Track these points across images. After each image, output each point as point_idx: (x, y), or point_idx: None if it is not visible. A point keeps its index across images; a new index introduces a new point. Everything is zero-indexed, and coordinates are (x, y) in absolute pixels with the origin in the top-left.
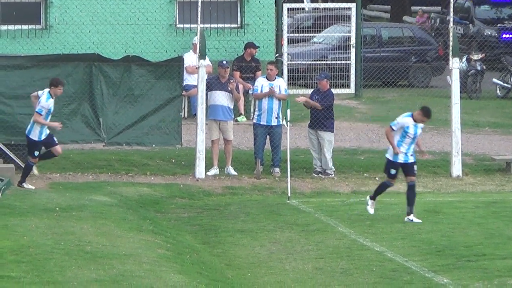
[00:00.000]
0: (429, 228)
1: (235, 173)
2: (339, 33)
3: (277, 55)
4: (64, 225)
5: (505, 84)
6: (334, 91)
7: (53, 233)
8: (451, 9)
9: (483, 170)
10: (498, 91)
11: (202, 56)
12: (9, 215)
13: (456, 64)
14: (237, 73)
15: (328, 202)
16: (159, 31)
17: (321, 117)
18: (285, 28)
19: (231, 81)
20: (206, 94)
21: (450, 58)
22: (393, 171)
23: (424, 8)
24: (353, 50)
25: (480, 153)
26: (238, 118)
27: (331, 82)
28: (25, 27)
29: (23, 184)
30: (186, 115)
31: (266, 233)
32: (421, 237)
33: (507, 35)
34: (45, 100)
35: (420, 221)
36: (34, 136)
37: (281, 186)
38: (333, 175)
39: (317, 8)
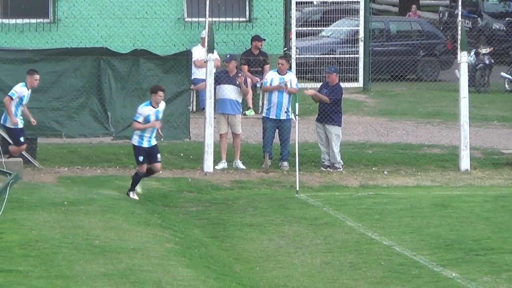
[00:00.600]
0: (437, 222)
1: (244, 167)
2: (347, 27)
3: (286, 49)
4: (72, 219)
5: None
6: (343, 84)
7: (61, 227)
8: (460, 3)
9: (492, 164)
10: (506, 85)
11: (210, 50)
12: (17, 209)
13: (464, 58)
14: (245, 67)
15: (337, 196)
16: (168, 25)
17: (329, 111)
18: (293, 21)
19: (239, 75)
20: (214, 88)
21: (459, 52)
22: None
23: (421, 3)
24: (361, 44)
25: (489, 147)
26: (247, 112)
27: (339, 76)
28: (33, 20)
29: (129, 193)
30: (194, 109)
31: (275, 227)
32: (429, 231)
33: None
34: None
35: None
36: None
37: (289, 180)
38: (341, 169)
39: (326, 2)
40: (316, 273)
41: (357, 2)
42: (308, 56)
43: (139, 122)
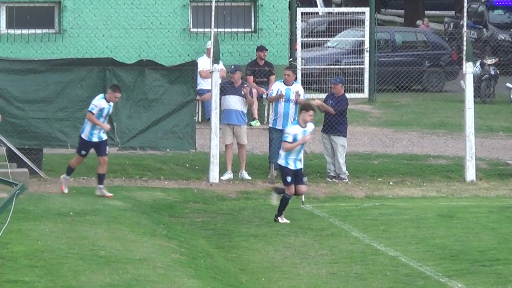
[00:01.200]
0: (443, 233)
1: (249, 178)
2: (353, 38)
3: (291, 59)
4: (78, 229)
5: None
6: (348, 95)
7: (67, 237)
8: (465, 14)
9: (497, 174)
10: (511, 96)
11: (215, 60)
12: (23, 219)
13: (469, 69)
14: (251, 78)
15: (342, 206)
16: (173, 35)
17: (335, 122)
18: (298, 32)
19: (245, 85)
20: (220, 99)
21: (464, 62)
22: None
23: (432, 14)
24: (366, 55)
25: (494, 158)
26: (252, 123)
27: (344, 87)
28: (38, 31)
29: (278, 218)
30: (200, 119)
31: (280, 237)
32: (435, 242)
33: None
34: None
35: None
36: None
37: None
38: (347, 180)
39: (331, 13)
40: (321, 283)
41: (363, 12)
42: (313, 66)
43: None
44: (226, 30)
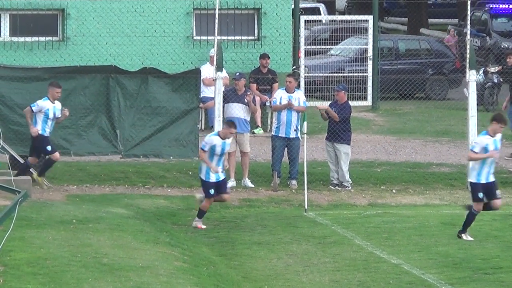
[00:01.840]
0: (446, 240)
1: (252, 186)
2: (356, 45)
3: (294, 67)
4: (81, 237)
5: None
6: (351, 103)
7: (70, 245)
8: (468, 22)
9: (500, 183)
10: None
11: (219, 68)
12: (26, 227)
13: (473, 77)
14: (254, 85)
15: (345, 214)
16: (176, 43)
17: (338, 130)
18: (302, 40)
19: (248, 93)
20: (223, 106)
21: (467, 70)
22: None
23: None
24: (370, 63)
25: (497, 166)
26: (255, 130)
27: (348, 94)
28: (42, 39)
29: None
30: (203, 127)
31: (283, 245)
32: (438, 249)
33: None
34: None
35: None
36: None
37: (298, 198)
38: (350, 188)
39: (334, 20)
40: None
41: (366, 20)
42: (316, 74)
43: None
44: (229, 38)
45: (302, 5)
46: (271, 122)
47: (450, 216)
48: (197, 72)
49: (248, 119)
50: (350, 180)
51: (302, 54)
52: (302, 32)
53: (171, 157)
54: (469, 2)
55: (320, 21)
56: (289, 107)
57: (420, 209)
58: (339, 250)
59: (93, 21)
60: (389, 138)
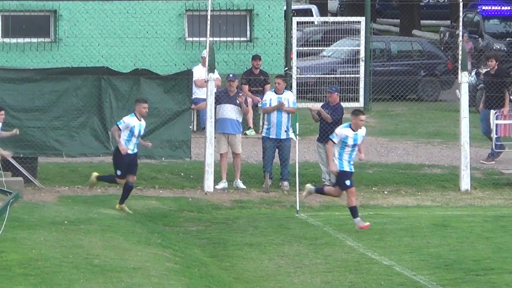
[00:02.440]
0: (437, 242)
1: (244, 187)
2: (348, 47)
3: (286, 68)
4: (72, 238)
5: None
6: (343, 104)
7: (61, 246)
8: (461, 23)
9: (492, 184)
10: None
11: (211, 69)
12: (17, 228)
13: (465, 78)
14: (246, 87)
15: (337, 215)
16: (168, 45)
17: (330, 131)
18: (294, 41)
19: (240, 94)
20: (215, 108)
21: (459, 72)
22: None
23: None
24: (362, 64)
25: (489, 167)
26: (247, 132)
27: (340, 96)
28: (34, 40)
29: None
30: (195, 128)
31: (275, 246)
32: (429, 251)
33: None
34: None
35: None
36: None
37: (289, 199)
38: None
39: (327, 22)
40: None
41: (358, 22)
42: (308, 76)
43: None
44: (221, 39)
45: (294, 7)
46: (263, 123)
47: (442, 217)
48: (189, 73)
49: (240, 120)
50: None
51: (294, 56)
52: (294, 33)
53: (163, 158)
54: (461, 4)
55: (312, 22)
56: (279, 108)
57: (411, 211)
58: (331, 251)
59: (85, 22)
60: (381, 140)
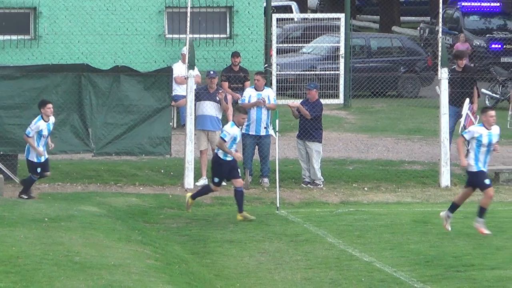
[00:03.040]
0: (417, 238)
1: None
2: (328, 44)
3: (266, 65)
4: (52, 235)
5: (494, 94)
6: (323, 101)
7: (41, 243)
8: (440, 20)
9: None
10: (487, 101)
11: (191, 66)
12: None
13: (445, 75)
14: (226, 83)
15: (317, 212)
16: (148, 42)
17: (310, 128)
18: (274, 38)
19: (220, 91)
20: (195, 105)
21: (439, 68)
22: None
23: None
24: (342, 61)
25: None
26: None
27: (320, 93)
28: (14, 37)
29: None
30: (175, 125)
31: (255, 243)
32: (409, 247)
33: (496, 45)
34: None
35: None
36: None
37: (270, 196)
38: (321, 186)
39: (306, 19)
40: None
41: (338, 18)
42: (288, 72)
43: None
44: (201, 36)
45: (274, 3)
46: None
47: (422, 213)
48: (169, 70)
49: (220, 117)
50: (322, 178)
51: (274, 52)
52: (274, 30)
53: (143, 155)
54: (441, 0)
55: (292, 19)
56: (258, 105)
57: (392, 207)
58: (311, 248)
59: (65, 19)
60: (361, 136)
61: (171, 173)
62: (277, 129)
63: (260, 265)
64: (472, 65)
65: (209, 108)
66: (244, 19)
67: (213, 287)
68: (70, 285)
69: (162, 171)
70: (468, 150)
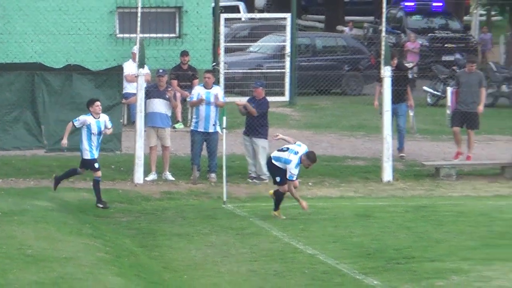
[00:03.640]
0: (360, 231)
1: (173, 179)
2: (274, 43)
3: (214, 63)
4: (5, 229)
5: (436, 92)
6: (269, 99)
7: None
8: (384, 19)
9: (413, 175)
10: (428, 99)
11: (141, 65)
12: None
13: (387, 73)
14: (175, 82)
15: (263, 206)
16: (100, 41)
17: (256, 124)
18: (222, 37)
19: (169, 89)
20: (145, 102)
21: (382, 66)
22: None
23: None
24: (288, 59)
25: (410, 159)
26: (176, 125)
27: (266, 90)
28: None
29: None
30: (125, 122)
31: (202, 236)
32: (352, 240)
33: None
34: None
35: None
36: None
37: (217, 191)
38: (267, 181)
39: (254, 18)
40: (242, 281)
41: (284, 18)
42: (236, 70)
43: None
44: (151, 35)
45: (222, 3)
46: (191, 117)
47: (364, 207)
48: (119, 69)
49: (169, 114)
50: (267, 173)
51: (222, 51)
52: (222, 29)
53: None
54: (384, 0)
55: (240, 19)
56: (201, 103)
57: (335, 201)
58: (257, 241)
59: (18, 19)
60: (306, 133)
61: (121, 168)
62: (224, 126)
63: (207, 258)
64: (409, 64)
65: (159, 106)
66: (193, 19)
67: (161, 279)
68: (22, 277)
69: (113, 166)
70: None
